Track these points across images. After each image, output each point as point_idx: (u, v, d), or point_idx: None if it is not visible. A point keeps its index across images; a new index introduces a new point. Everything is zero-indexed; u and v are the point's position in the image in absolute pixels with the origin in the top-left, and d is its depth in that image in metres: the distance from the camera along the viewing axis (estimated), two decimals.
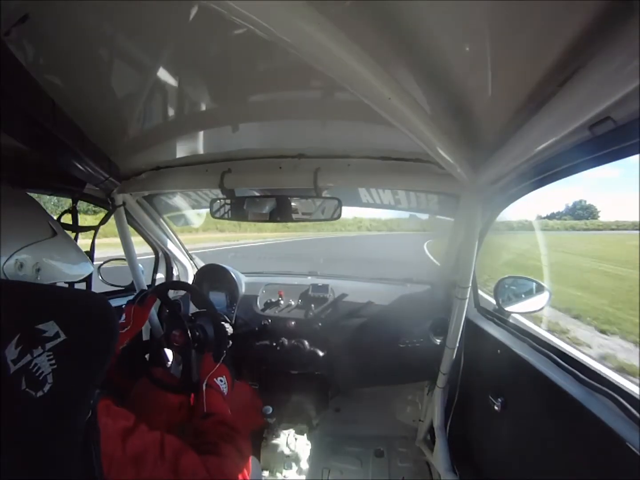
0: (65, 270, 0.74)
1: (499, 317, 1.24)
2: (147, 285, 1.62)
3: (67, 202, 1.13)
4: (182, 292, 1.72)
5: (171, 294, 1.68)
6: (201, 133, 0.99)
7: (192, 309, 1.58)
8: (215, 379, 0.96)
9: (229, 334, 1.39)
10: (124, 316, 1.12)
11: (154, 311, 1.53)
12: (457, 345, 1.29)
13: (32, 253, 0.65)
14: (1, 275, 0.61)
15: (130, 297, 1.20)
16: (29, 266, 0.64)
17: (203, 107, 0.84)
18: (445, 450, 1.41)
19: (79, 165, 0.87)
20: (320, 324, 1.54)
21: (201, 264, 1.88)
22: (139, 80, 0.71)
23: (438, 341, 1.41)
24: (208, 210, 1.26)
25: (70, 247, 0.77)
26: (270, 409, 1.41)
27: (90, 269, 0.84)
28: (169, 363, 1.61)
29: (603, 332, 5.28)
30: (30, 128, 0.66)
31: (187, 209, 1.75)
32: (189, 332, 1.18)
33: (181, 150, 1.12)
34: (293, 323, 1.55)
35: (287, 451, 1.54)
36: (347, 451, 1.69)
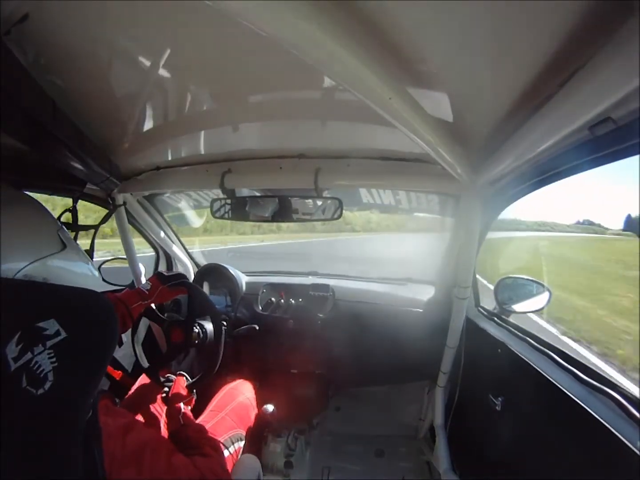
0: (73, 283, 0.72)
1: (499, 317, 1.24)
2: None
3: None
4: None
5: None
6: (201, 133, 0.99)
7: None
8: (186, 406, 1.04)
9: (225, 332, 1.39)
10: (149, 285, 1.08)
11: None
12: (458, 344, 1.29)
13: (41, 268, 0.63)
14: None
15: None
16: (37, 281, 0.62)
17: (203, 107, 0.84)
18: (446, 450, 1.41)
19: (79, 165, 0.87)
20: (320, 324, 1.54)
21: (202, 263, 1.89)
22: (139, 80, 0.71)
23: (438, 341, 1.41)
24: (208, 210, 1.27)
25: (78, 258, 0.75)
26: (270, 408, 1.41)
27: (97, 278, 0.82)
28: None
29: None
30: (30, 128, 0.66)
31: (188, 208, 1.75)
32: (189, 331, 1.19)
33: (182, 150, 1.12)
34: (293, 322, 1.55)
35: (287, 451, 1.55)
36: (347, 450, 1.70)
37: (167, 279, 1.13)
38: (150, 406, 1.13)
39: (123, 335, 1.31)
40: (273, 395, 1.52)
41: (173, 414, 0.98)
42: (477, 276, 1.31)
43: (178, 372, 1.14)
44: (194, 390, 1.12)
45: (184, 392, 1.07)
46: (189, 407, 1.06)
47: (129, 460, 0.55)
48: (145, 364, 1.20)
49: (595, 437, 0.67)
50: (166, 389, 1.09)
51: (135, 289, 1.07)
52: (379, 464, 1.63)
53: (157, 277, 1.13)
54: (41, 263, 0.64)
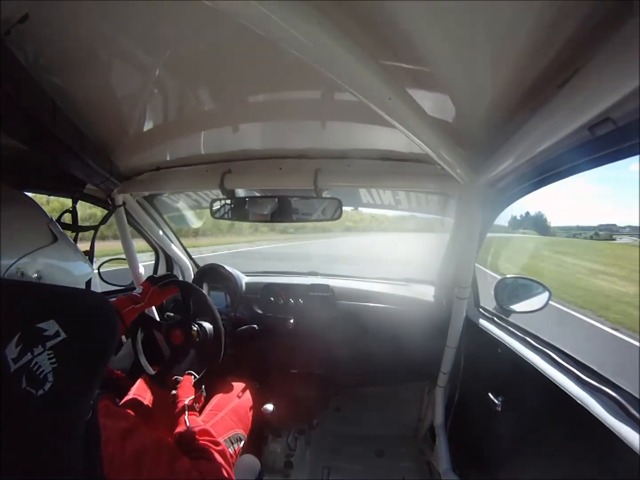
0: (67, 276, 0.72)
1: (499, 317, 1.24)
2: None
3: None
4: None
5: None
6: (202, 133, 0.99)
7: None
8: (193, 403, 1.03)
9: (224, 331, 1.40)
10: (140, 289, 1.11)
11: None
12: (458, 344, 1.29)
13: (33, 260, 0.63)
14: None
15: None
16: (30, 274, 0.63)
17: (203, 108, 0.84)
18: (446, 450, 1.41)
19: (79, 165, 0.87)
20: (320, 324, 1.54)
21: (201, 263, 1.88)
22: (139, 81, 0.71)
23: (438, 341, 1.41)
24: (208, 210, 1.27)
25: (71, 252, 0.75)
26: (270, 408, 1.41)
27: (91, 272, 0.83)
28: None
29: None
30: (30, 128, 0.66)
31: (188, 209, 1.75)
32: (189, 332, 1.19)
33: (182, 151, 1.12)
34: (293, 322, 1.55)
35: (287, 451, 1.55)
36: (347, 451, 1.70)
37: (157, 280, 1.15)
38: (153, 407, 1.13)
39: (122, 337, 1.31)
40: (273, 395, 1.52)
41: (179, 415, 0.97)
42: None
43: (187, 372, 1.15)
44: (203, 387, 1.12)
45: (191, 390, 1.07)
46: (198, 405, 1.06)
47: (128, 464, 0.55)
48: (150, 371, 1.21)
49: (595, 437, 0.67)
50: (174, 392, 1.09)
51: (127, 295, 1.08)
52: (379, 464, 1.63)
53: (147, 280, 1.16)
54: (33, 256, 0.63)
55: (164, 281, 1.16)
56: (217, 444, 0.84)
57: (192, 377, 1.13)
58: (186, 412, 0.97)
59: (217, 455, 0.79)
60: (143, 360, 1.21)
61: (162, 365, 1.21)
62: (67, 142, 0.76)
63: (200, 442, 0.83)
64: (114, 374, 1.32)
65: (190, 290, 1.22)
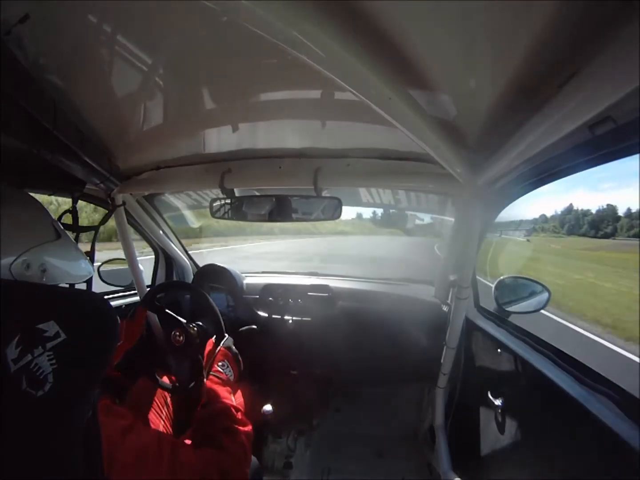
0: (69, 272, 0.75)
1: (499, 317, 1.24)
2: (147, 286, 1.62)
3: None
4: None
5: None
6: (201, 133, 0.99)
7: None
8: (216, 365, 0.99)
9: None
10: None
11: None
12: (457, 344, 1.29)
13: (38, 254, 0.66)
14: (8, 275, 0.61)
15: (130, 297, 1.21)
16: (35, 267, 0.65)
17: (203, 107, 0.84)
18: (446, 450, 1.41)
19: (79, 165, 0.87)
20: (320, 324, 1.54)
21: (201, 264, 1.88)
22: (139, 80, 0.71)
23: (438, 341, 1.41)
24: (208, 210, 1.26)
25: (73, 249, 0.78)
26: (270, 409, 1.41)
27: (92, 270, 0.85)
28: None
29: None
30: (30, 128, 0.66)
31: (187, 208, 1.75)
32: (189, 331, 1.19)
33: (181, 150, 1.12)
34: (293, 323, 1.55)
35: (287, 451, 1.55)
36: (347, 451, 1.70)
37: (126, 314, 1.20)
38: (154, 405, 1.13)
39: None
40: (273, 395, 1.52)
41: (199, 390, 0.93)
42: None
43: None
44: (227, 337, 1.14)
45: (210, 347, 1.08)
46: (223, 361, 1.03)
47: (129, 463, 0.55)
48: (167, 385, 1.21)
49: (595, 437, 0.67)
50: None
51: None
52: (379, 465, 1.63)
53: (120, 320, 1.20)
54: (38, 250, 0.66)
55: (130, 312, 1.20)
56: (232, 431, 0.75)
57: (212, 339, 1.14)
58: (204, 379, 0.92)
59: (230, 444, 0.72)
60: (161, 383, 1.22)
61: (181, 378, 1.23)
62: (67, 142, 0.76)
63: (214, 426, 0.75)
64: (113, 374, 1.32)
65: (151, 301, 1.24)
